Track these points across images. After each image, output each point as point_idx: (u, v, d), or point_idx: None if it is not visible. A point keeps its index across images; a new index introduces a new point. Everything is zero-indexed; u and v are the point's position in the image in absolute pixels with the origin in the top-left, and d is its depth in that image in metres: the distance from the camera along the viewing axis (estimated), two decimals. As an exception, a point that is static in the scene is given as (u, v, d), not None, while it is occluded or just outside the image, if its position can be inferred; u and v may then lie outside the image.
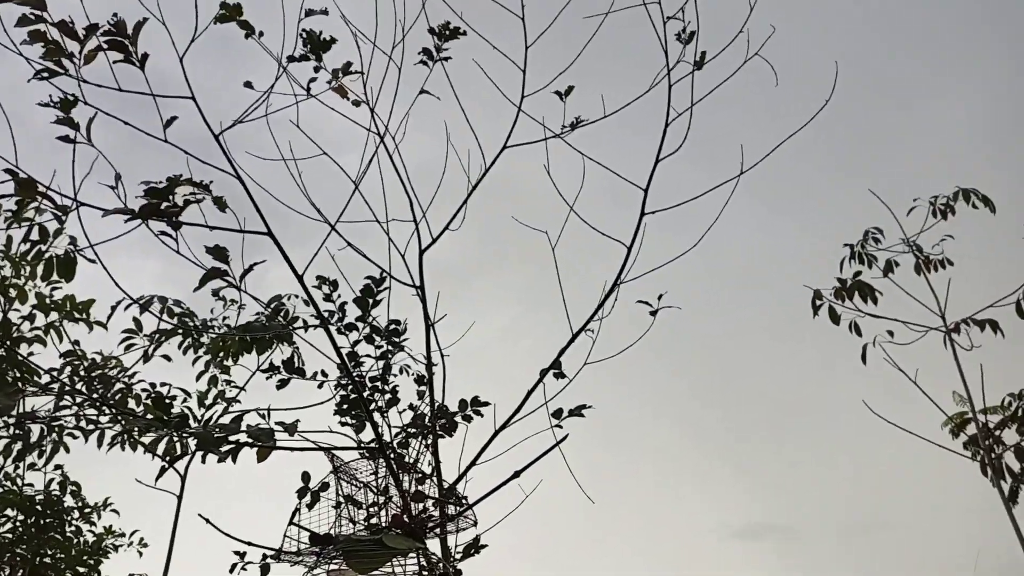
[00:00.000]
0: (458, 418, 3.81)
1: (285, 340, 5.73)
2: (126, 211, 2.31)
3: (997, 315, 6.55)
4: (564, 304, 3.24)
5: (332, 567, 2.40)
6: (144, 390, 4.96)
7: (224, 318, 5.64)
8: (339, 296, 3.93)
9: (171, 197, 2.30)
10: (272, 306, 6.30)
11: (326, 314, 3.81)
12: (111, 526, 6.04)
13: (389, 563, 2.50)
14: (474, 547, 3.72)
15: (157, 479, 2.95)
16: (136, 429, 5.61)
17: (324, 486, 3.63)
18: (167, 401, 2.53)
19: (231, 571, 3.40)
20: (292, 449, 2.58)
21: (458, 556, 3.72)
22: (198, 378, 5.58)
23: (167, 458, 5.16)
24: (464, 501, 2.99)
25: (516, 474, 2.85)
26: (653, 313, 3.56)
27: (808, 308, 7.02)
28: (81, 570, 5.71)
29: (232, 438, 2.45)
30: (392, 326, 3.82)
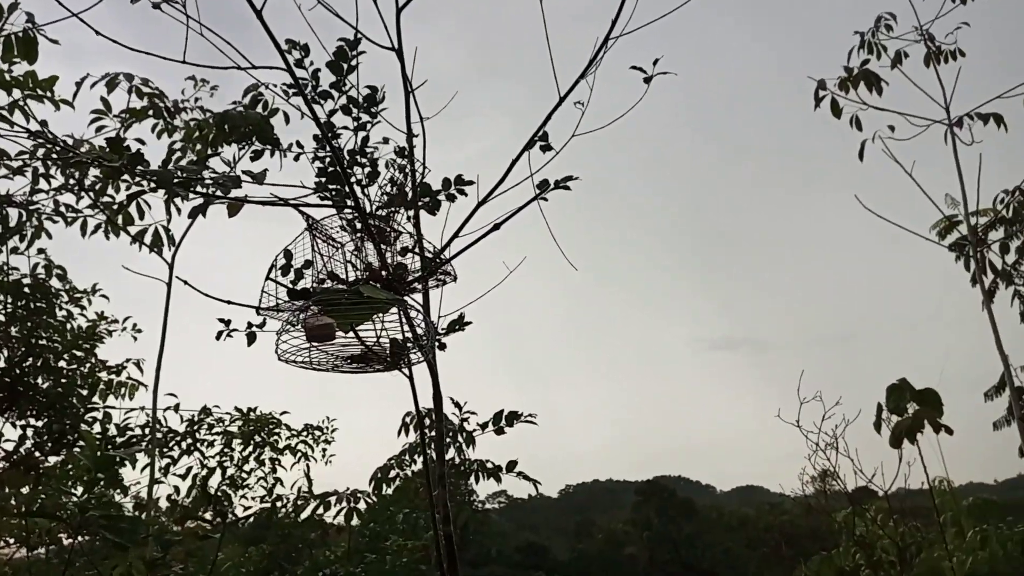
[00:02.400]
0: (441, 196, 3.70)
1: (263, 135, 5.49)
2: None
3: (1003, 108, 6.33)
4: (552, 64, 3.01)
5: (310, 319, 2.39)
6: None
7: (196, 99, 5.36)
8: (311, 64, 3.67)
9: None
10: (251, 95, 6.00)
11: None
12: (103, 312, 6.13)
13: (370, 320, 2.48)
14: (459, 323, 3.76)
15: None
16: (120, 218, 5.53)
17: (307, 263, 3.58)
18: (126, 146, 2.36)
19: (217, 338, 3.45)
20: (263, 203, 2.48)
21: (443, 331, 3.77)
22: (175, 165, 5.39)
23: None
24: (442, 258, 2.95)
25: (496, 226, 2.79)
26: (647, 80, 3.35)
27: (807, 106, 6.73)
28: (78, 354, 5.86)
29: (200, 190, 2.33)
30: (368, 92, 3.60)
